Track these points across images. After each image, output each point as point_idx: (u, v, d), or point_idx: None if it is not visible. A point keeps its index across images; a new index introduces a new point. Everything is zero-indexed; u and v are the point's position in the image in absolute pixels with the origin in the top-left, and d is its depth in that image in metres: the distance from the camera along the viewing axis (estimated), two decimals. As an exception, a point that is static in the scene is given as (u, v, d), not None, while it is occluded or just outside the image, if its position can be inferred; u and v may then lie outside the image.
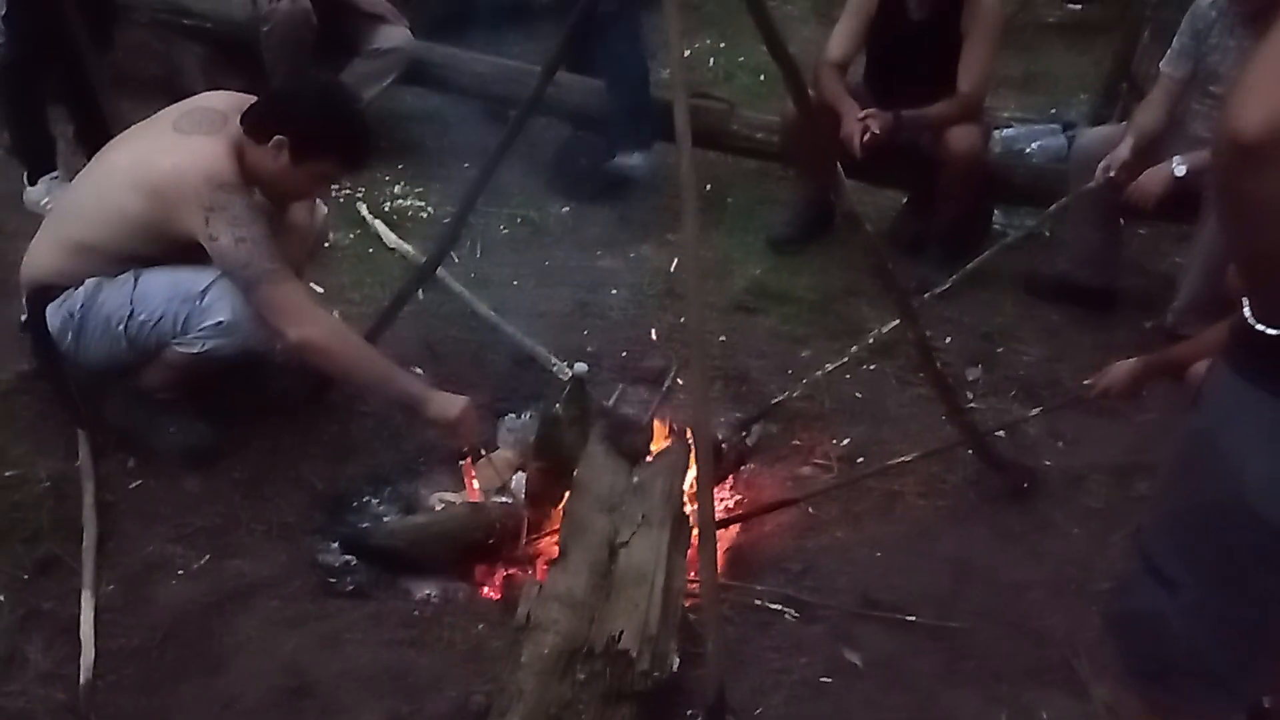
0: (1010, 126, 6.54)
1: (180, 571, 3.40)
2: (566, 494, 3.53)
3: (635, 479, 3.60)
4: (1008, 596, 3.50)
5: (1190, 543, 2.12)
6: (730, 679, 2.88)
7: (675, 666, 2.89)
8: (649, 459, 3.78)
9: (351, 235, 5.35)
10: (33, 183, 5.28)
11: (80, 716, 2.94)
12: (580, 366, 3.85)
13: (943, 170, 5.18)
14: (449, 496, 3.76)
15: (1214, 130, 1.90)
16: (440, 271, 4.61)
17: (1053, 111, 7.08)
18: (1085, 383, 3.92)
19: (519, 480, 3.75)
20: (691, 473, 3.61)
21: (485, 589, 3.52)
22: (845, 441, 4.17)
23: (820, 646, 3.26)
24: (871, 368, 4.59)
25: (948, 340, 4.78)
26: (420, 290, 4.39)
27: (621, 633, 2.84)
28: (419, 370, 4.10)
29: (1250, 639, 2.15)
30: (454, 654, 3.19)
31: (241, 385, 3.94)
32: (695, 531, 3.32)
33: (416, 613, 3.34)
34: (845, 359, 4.31)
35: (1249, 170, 1.70)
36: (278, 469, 3.81)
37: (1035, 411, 4.19)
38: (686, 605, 3.19)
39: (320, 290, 4.56)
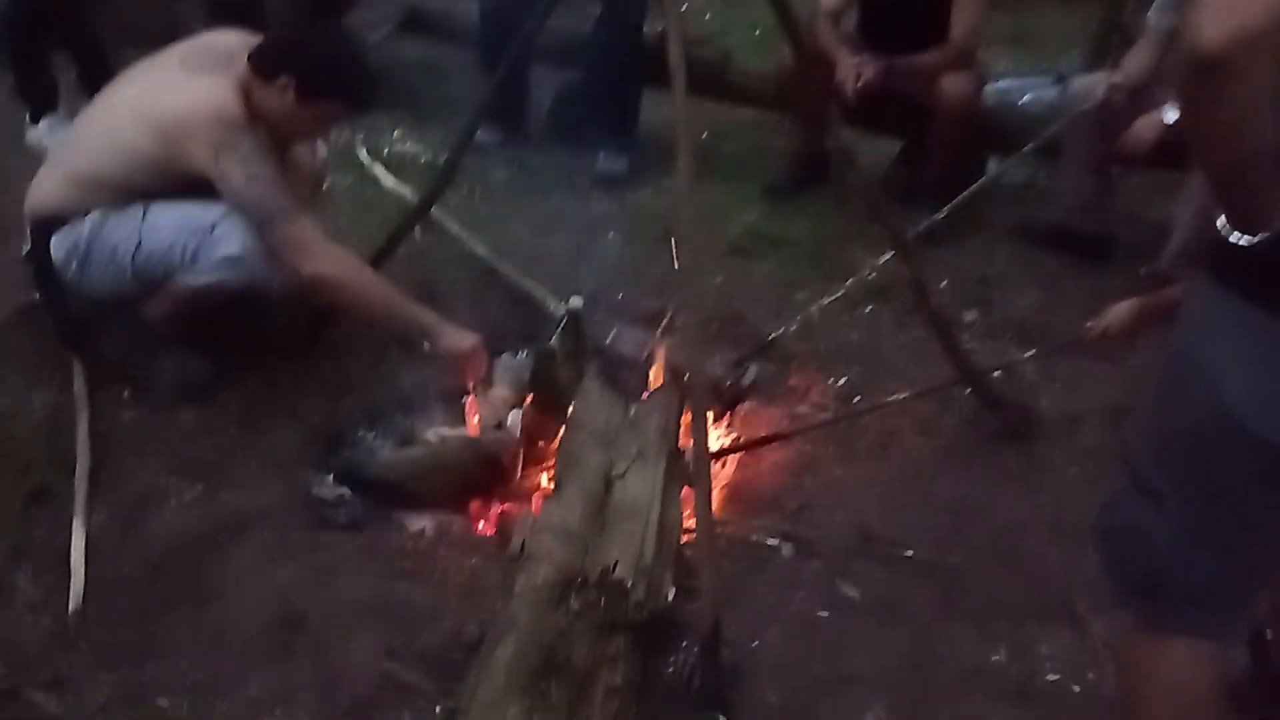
0: (1003, 79, 6.36)
1: (173, 503, 3.30)
2: (562, 430, 3.40)
3: (631, 415, 3.47)
4: (1004, 534, 3.38)
5: (1174, 456, 2.09)
6: (726, 613, 2.74)
7: (670, 597, 2.76)
8: (644, 396, 3.64)
9: (350, 178, 5.22)
10: (35, 122, 5.21)
11: (69, 644, 2.83)
12: (575, 301, 3.71)
13: (935, 118, 5.07)
14: (445, 431, 3.62)
15: (1176, 45, 1.86)
16: (437, 214, 4.52)
17: (1043, 66, 6.90)
18: (1087, 325, 3.76)
19: (515, 417, 3.61)
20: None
21: (480, 523, 3.38)
22: (842, 381, 4.04)
23: (817, 582, 3.14)
24: (868, 310, 4.46)
25: (944, 284, 4.63)
26: (418, 231, 4.28)
27: (616, 563, 2.71)
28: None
29: (1234, 556, 2.09)
30: (448, 587, 3.07)
31: (240, 321, 3.83)
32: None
33: (411, 546, 3.22)
34: (841, 292, 4.16)
35: (1211, 85, 1.67)
36: (274, 404, 3.70)
37: (1032, 352, 4.06)
38: (682, 542, 3.06)
39: (319, 231, 4.41)
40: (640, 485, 3.06)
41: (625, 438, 3.30)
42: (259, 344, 3.88)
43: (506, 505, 3.42)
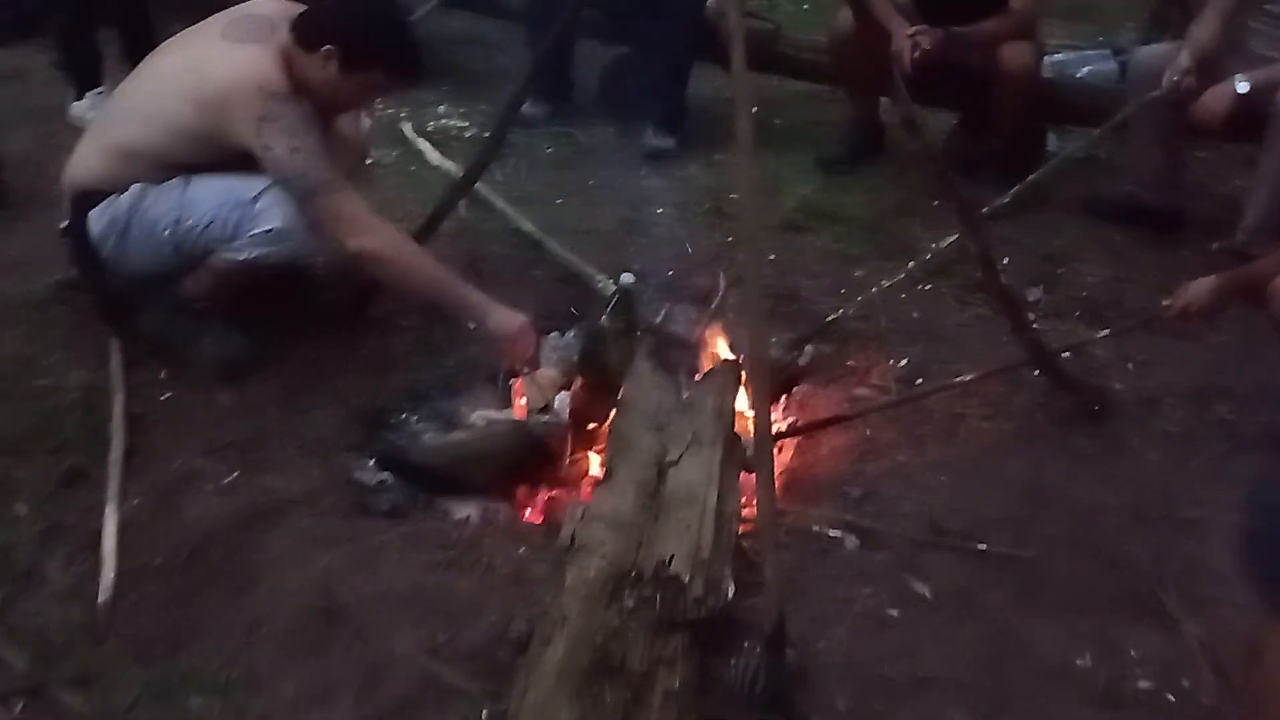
0: (1060, 52, 6.10)
1: (209, 487, 3.11)
2: (612, 412, 3.17)
3: (684, 397, 3.24)
4: (1083, 523, 3.09)
5: None
6: (789, 609, 2.51)
7: (730, 594, 2.53)
8: (698, 377, 3.41)
9: (395, 154, 5.05)
10: (79, 97, 5.11)
11: (98, 638, 2.65)
12: (626, 277, 3.47)
13: (996, 88, 4.80)
14: (490, 414, 3.41)
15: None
16: (485, 189, 4.34)
17: (1100, 39, 6.63)
18: (1164, 303, 3.49)
19: (562, 399, 3.40)
20: (743, 391, 3.27)
21: (527, 511, 3.16)
22: (903, 362, 3.76)
23: (885, 576, 2.87)
24: (928, 287, 4.17)
25: (1006, 261, 4.31)
26: (464, 207, 4.10)
27: (672, 557, 2.49)
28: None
29: None
30: (494, 578, 2.84)
31: (282, 297, 3.67)
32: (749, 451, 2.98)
33: (455, 534, 2.99)
34: (902, 275, 3.89)
35: None
36: (314, 383, 3.50)
37: (1107, 331, 3.76)
38: (740, 531, 2.84)
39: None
40: (696, 472, 2.83)
41: (679, 422, 3.07)
42: (300, 321, 3.70)
43: (554, 492, 3.20)
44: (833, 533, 3.01)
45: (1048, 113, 5.16)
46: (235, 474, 3.15)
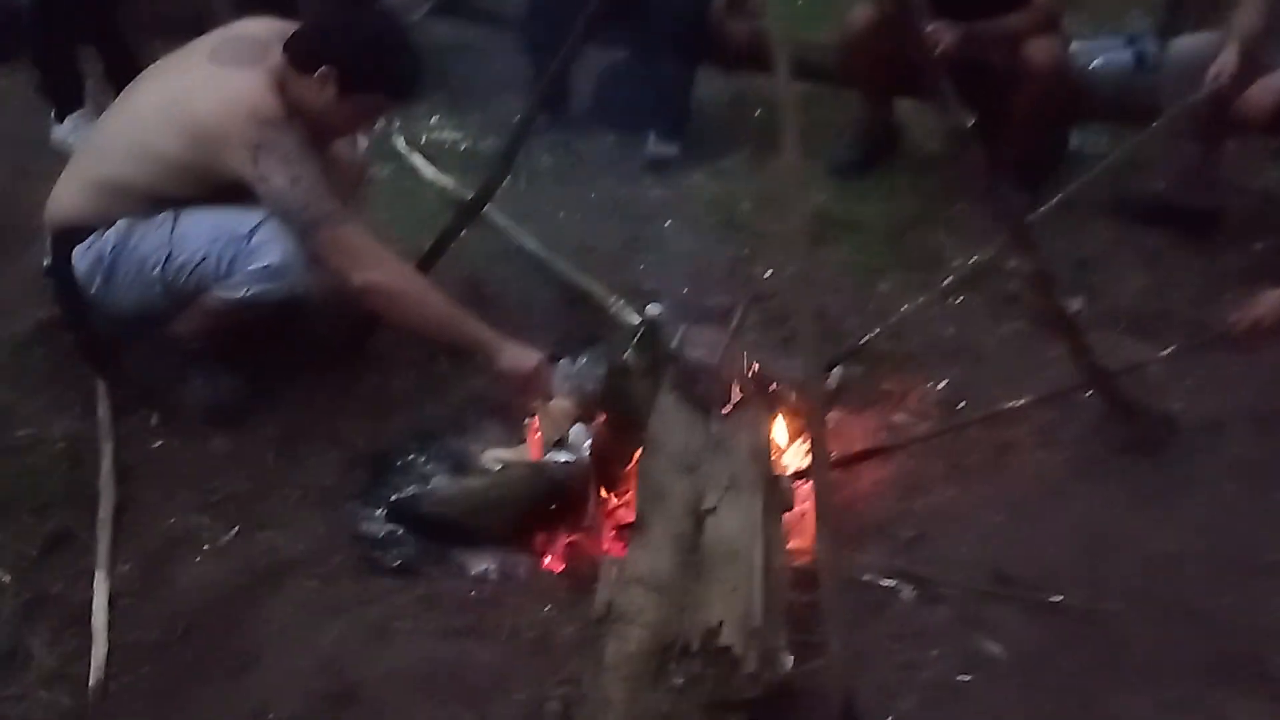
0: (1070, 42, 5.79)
1: (205, 547, 2.91)
2: (637, 452, 2.88)
3: (714, 434, 2.96)
4: (1162, 571, 2.74)
5: None
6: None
7: (789, 665, 2.24)
8: (725, 410, 3.13)
9: (387, 169, 4.76)
10: (60, 121, 4.85)
11: None
12: (653, 308, 3.19)
13: (1022, 87, 4.44)
14: (504, 454, 3.15)
15: None
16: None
17: (1112, 27, 6.30)
18: (1233, 316, 3.20)
19: (577, 432, 3.13)
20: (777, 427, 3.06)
21: (547, 560, 2.89)
22: (941, 384, 3.46)
23: (950, 634, 2.56)
24: (959, 300, 3.85)
25: (1036, 270, 4.05)
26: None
27: (720, 624, 2.21)
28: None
29: None
30: (520, 645, 2.59)
31: (277, 335, 3.42)
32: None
33: (474, 594, 2.75)
34: (939, 290, 3.58)
35: None
36: (313, 426, 3.29)
37: (1172, 349, 3.40)
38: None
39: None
40: (736, 522, 2.56)
41: (712, 463, 2.80)
42: (296, 359, 3.46)
43: (577, 539, 2.92)
44: (885, 582, 2.73)
45: (1076, 111, 4.80)
46: (233, 531, 2.94)
